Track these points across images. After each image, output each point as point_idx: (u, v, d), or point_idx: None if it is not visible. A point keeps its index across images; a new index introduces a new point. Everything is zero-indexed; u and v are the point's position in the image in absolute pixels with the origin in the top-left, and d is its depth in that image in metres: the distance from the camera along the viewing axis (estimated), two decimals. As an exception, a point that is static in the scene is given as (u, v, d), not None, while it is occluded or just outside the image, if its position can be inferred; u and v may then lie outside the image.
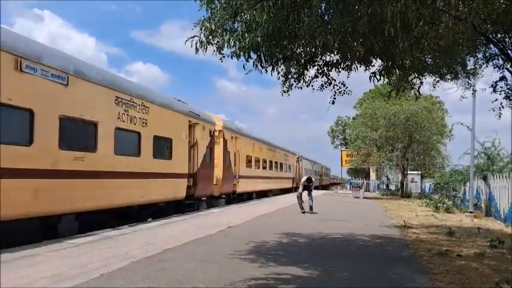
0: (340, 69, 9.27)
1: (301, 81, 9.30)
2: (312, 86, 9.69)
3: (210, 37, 7.12)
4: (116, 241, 9.53)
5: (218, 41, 7.28)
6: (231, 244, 9.28)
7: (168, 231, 11.26)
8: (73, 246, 8.72)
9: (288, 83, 9.16)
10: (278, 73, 8.75)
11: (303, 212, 17.85)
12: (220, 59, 7.65)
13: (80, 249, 8.38)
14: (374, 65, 9.02)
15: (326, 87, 9.75)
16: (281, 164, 37.92)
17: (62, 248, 8.41)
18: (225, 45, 7.29)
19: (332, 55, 8.82)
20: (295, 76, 9.09)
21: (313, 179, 19.73)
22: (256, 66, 7.72)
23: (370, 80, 8.76)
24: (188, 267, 6.99)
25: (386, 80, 9.31)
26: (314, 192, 19.35)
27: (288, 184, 40.97)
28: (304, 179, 19.77)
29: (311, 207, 18.27)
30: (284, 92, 9.33)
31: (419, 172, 42.01)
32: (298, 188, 19.80)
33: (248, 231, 11.61)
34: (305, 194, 19.02)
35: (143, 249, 8.49)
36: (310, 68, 9.14)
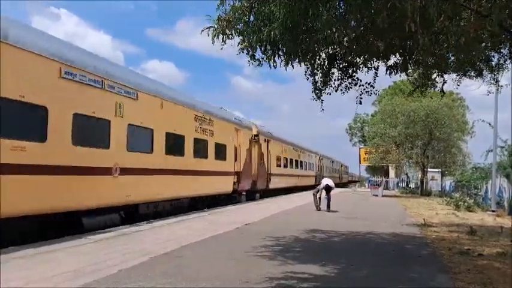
0: (363, 69, 9.18)
1: (327, 85, 9.25)
2: (342, 90, 9.61)
3: (226, 28, 7.07)
4: (134, 237, 9.60)
5: (234, 33, 7.22)
6: (249, 241, 9.26)
7: (185, 228, 11.30)
8: (92, 242, 8.81)
9: (317, 88, 9.14)
10: (305, 74, 8.74)
11: (318, 210, 17.75)
12: (238, 53, 7.60)
13: (98, 245, 8.46)
14: (395, 63, 8.90)
15: (351, 87, 9.65)
16: (305, 163, 40.23)
17: (81, 244, 8.50)
18: (242, 38, 7.25)
19: (353, 55, 8.73)
20: (321, 80, 9.05)
21: (332, 186, 19.50)
22: (271, 61, 7.62)
23: (386, 73, 8.63)
24: (205, 264, 7.00)
25: (404, 75, 9.18)
26: (333, 190, 19.10)
27: (311, 181, 42.47)
28: (323, 184, 19.42)
29: (328, 206, 18.07)
30: (318, 100, 9.32)
31: (440, 170, 41.54)
32: (319, 186, 19.68)
33: (266, 228, 11.58)
34: (323, 193, 18.79)
35: (161, 245, 8.53)
36: (334, 70, 9.08)
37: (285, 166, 32.36)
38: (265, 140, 26.26)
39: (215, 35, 7.03)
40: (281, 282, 5.91)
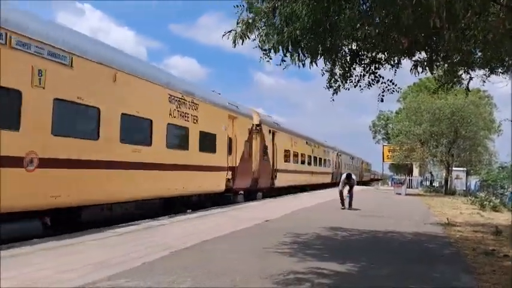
0: (386, 66, 9.08)
1: (348, 81, 9.16)
2: (361, 86, 9.52)
3: (248, 31, 7.08)
4: (156, 231, 9.72)
5: (256, 35, 7.25)
6: (269, 237, 9.27)
7: (207, 223, 11.37)
8: (115, 235, 8.95)
9: (333, 80, 9.05)
10: (322, 69, 8.66)
11: (343, 208, 17.41)
12: (261, 56, 7.63)
13: (122, 238, 8.60)
14: (419, 59, 8.77)
15: (373, 84, 9.56)
16: (319, 159, 37.60)
17: (105, 237, 8.64)
18: (263, 39, 7.26)
19: (377, 51, 8.64)
20: (341, 74, 8.97)
21: (353, 176, 19.06)
22: (294, 60, 7.62)
23: (411, 72, 8.52)
24: (226, 258, 7.04)
25: (429, 72, 9.05)
26: (354, 188, 18.82)
27: (327, 179, 40.52)
28: (344, 176, 19.11)
29: (350, 204, 17.74)
30: (330, 89, 9.22)
31: (465, 169, 40.82)
32: (339, 184, 19.35)
33: (286, 225, 11.58)
34: (345, 190, 18.38)
35: (182, 240, 8.61)
36: (356, 66, 9.00)
37: (295, 162, 29.58)
38: (270, 131, 23.43)
39: (236, 40, 7.05)
40: (301, 277, 5.91)
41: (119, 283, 5.33)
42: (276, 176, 24.43)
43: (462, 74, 10.31)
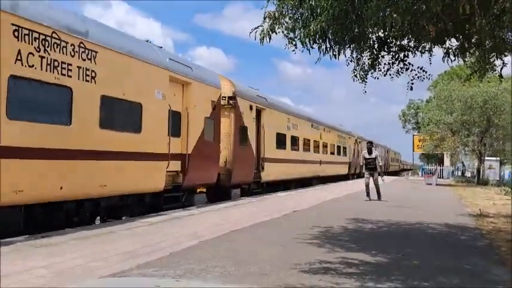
0: (416, 53, 8.90)
1: (376, 69, 9.03)
2: (390, 74, 9.37)
3: (275, 25, 7.05)
4: (185, 221, 9.85)
5: (283, 30, 7.22)
6: (297, 228, 9.28)
7: (235, 213, 11.45)
8: (146, 225, 9.11)
9: (362, 69, 8.93)
10: (348, 59, 8.58)
11: (369, 200, 16.43)
12: (293, 50, 7.61)
13: (151, 228, 8.75)
14: (450, 46, 8.58)
15: (402, 73, 9.39)
16: (332, 146, 32.41)
17: (135, 227, 8.80)
18: (290, 33, 7.23)
19: (406, 39, 8.48)
20: (369, 63, 8.85)
21: (376, 151, 16.98)
22: (323, 52, 7.57)
23: (443, 60, 8.34)
24: (254, 248, 7.08)
25: (462, 60, 8.83)
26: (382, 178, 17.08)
27: (343, 170, 35.78)
28: (364, 152, 17.15)
29: (379, 194, 16.64)
30: (356, 76, 9.10)
31: (498, 158, 39.90)
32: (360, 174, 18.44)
33: (314, 216, 11.56)
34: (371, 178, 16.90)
35: (211, 229, 8.71)
36: (384, 54, 8.85)
37: (295, 149, 23.74)
38: (251, 107, 17.51)
39: (263, 37, 7.03)
40: (329, 267, 5.90)
41: (148, 272, 5.43)
42: (263, 168, 18.84)
43: (495, 60, 10.04)
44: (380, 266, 6.16)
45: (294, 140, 23.68)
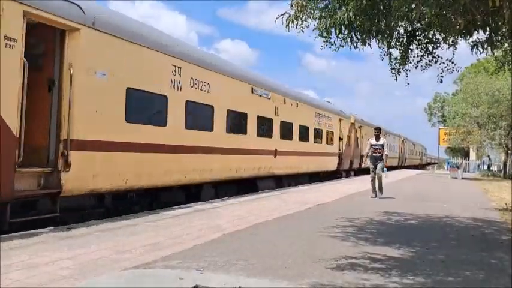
0: (443, 46, 8.81)
1: (407, 63, 8.97)
2: (422, 66, 9.30)
3: (301, 13, 7.04)
4: (208, 214, 9.92)
5: (309, 18, 7.19)
6: (321, 221, 9.28)
7: (258, 206, 11.49)
8: (169, 217, 9.21)
9: (393, 62, 8.89)
10: (380, 54, 8.55)
11: (375, 196, 14.58)
12: (315, 37, 7.57)
13: (175, 221, 8.84)
14: (478, 39, 8.46)
15: (431, 65, 9.31)
16: (305, 129, 21.07)
17: (159, 219, 8.91)
18: (316, 22, 7.20)
19: (434, 31, 8.39)
20: (399, 59, 8.80)
21: (384, 138, 15.10)
22: (348, 42, 7.53)
23: (472, 52, 8.23)
24: (277, 242, 7.11)
25: (490, 52, 8.69)
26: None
27: (328, 164, 25.02)
28: (371, 138, 15.25)
29: (380, 188, 14.81)
30: (394, 70, 9.06)
31: (526, 152, 39.13)
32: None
33: (338, 209, 11.54)
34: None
35: (234, 222, 8.77)
36: (413, 47, 8.78)
37: (263, 134, 16.47)
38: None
39: (289, 23, 7.01)
40: (353, 261, 5.90)
41: (172, 264, 5.49)
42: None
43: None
44: (405, 261, 6.13)
45: (264, 123, 16.67)
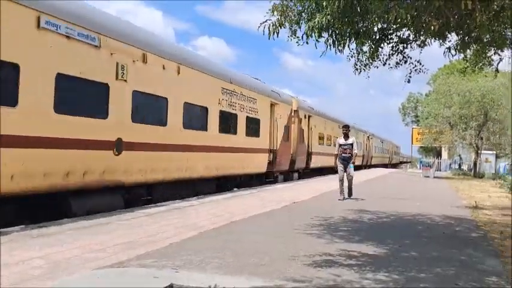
0: (414, 46, 8.97)
1: (376, 59, 9.08)
2: (389, 64, 9.44)
3: (282, 19, 7.08)
4: (184, 212, 9.90)
5: (290, 24, 7.25)
6: (297, 219, 9.35)
7: (235, 204, 11.50)
8: (144, 215, 9.15)
9: (360, 61, 8.98)
10: (350, 51, 8.62)
11: (343, 199, 13.56)
12: (297, 42, 7.61)
13: (150, 219, 8.78)
14: (450, 40, 8.64)
15: (401, 64, 9.46)
16: (189, 108, 13.21)
17: (133, 218, 8.84)
18: (296, 27, 7.27)
19: (406, 31, 8.53)
20: (368, 55, 8.89)
21: (353, 137, 14.20)
22: (329, 46, 7.60)
23: (445, 55, 8.41)
24: (254, 239, 7.14)
25: (462, 55, 8.91)
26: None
27: (250, 164, 18.04)
28: (339, 138, 14.13)
29: (350, 190, 13.97)
30: (357, 70, 9.15)
31: (494, 152, 40.10)
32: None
33: (314, 206, 11.63)
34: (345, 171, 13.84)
35: (211, 220, 8.76)
36: (384, 45, 8.90)
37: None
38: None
39: (273, 31, 7.06)
40: (328, 258, 5.97)
41: (146, 263, 5.44)
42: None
43: (492, 55, 10.12)
44: (379, 258, 6.23)
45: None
